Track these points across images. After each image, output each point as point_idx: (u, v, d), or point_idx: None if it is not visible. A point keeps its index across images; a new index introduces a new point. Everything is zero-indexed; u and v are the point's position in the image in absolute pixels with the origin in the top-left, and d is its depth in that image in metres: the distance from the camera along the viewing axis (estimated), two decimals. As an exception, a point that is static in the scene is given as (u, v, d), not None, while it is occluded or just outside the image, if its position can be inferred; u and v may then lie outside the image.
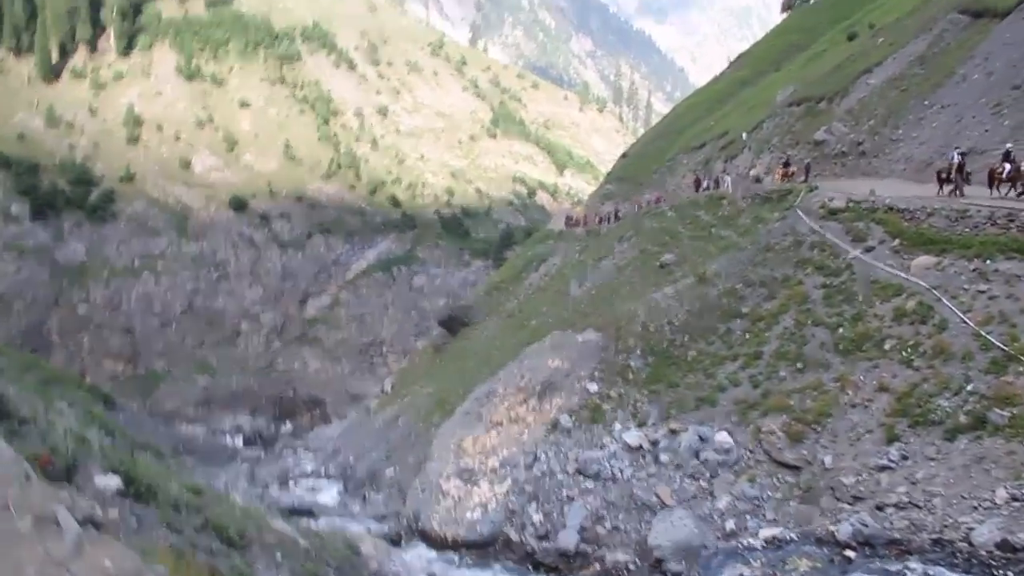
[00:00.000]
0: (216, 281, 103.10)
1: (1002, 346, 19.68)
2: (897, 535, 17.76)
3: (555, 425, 25.78)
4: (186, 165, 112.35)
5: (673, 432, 23.94)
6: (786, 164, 40.14)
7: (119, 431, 28.97)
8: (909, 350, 21.51)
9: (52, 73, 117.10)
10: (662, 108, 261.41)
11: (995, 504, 17.07)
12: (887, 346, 22.11)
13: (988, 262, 22.20)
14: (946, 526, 17.38)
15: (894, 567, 16.86)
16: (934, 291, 22.42)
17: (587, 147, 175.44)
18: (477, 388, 32.57)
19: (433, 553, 24.27)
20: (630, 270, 41.84)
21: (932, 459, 18.77)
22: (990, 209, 24.31)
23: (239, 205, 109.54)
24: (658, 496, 22.21)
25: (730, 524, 20.46)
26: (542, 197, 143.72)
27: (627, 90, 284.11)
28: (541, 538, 22.79)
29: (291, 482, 43.65)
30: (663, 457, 23.39)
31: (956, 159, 27.62)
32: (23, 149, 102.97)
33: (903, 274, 23.89)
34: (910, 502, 18.29)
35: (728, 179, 45.64)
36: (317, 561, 12.63)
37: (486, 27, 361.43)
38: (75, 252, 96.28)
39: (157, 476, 10.39)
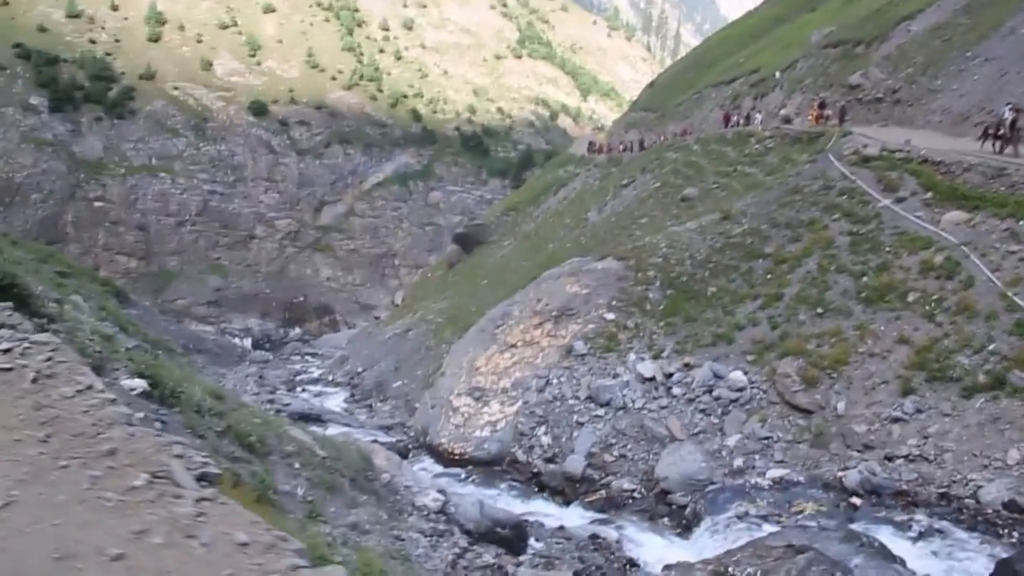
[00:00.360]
0: (232, 184, 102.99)
1: (1029, 308, 19.47)
2: (905, 486, 17.83)
3: (569, 351, 25.79)
4: (207, 67, 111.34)
5: (688, 366, 23.94)
6: (821, 106, 39.27)
7: (133, 327, 29.10)
8: (933, 304, 21.30)
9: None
10: (691, 40, 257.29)
11: (1007, 464, 17.10)
12: (911, 298, 21.89)
13: (1021, 223, 21.81)
14: (954, 481, 17.44)
15: (900, 517, 16.97)
16: (963, 247, 22.11)
17: (613, 74, 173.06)
18: (492, 308, 32.58)
19: (439, 468, 24.61)
20: (651, 202, 41.52)
21: (947, 415, 18.74)
22: (1030, 168, 23.85)
23: (259, 110, 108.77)
24: (668, 429, 22.31)
25: (738, 462, 20.58)
26: (564, 121, 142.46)
27: (656, 18, 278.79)
28: (548, 460, 23.02)
29: (298, 387, 44.11)
30: (676, 390, 23.44)
31: (1008, 115, 26.86)
32: (43, 41, 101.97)
33: (933, 228, 23.56)
34: (920, 455, 18.34)
35: (759, 116, 44.94)
36: (333, 472, 12.73)
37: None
38: (93, 147, 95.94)
39: (181, 380, 10.36)
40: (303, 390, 43.21)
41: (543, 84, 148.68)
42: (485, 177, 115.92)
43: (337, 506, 11.33)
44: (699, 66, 78.69)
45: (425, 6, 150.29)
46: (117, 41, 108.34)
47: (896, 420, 19.39)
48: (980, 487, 16.91)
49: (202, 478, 4.93)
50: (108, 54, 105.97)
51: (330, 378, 47.02)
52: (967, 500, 16.89)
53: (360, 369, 44.50)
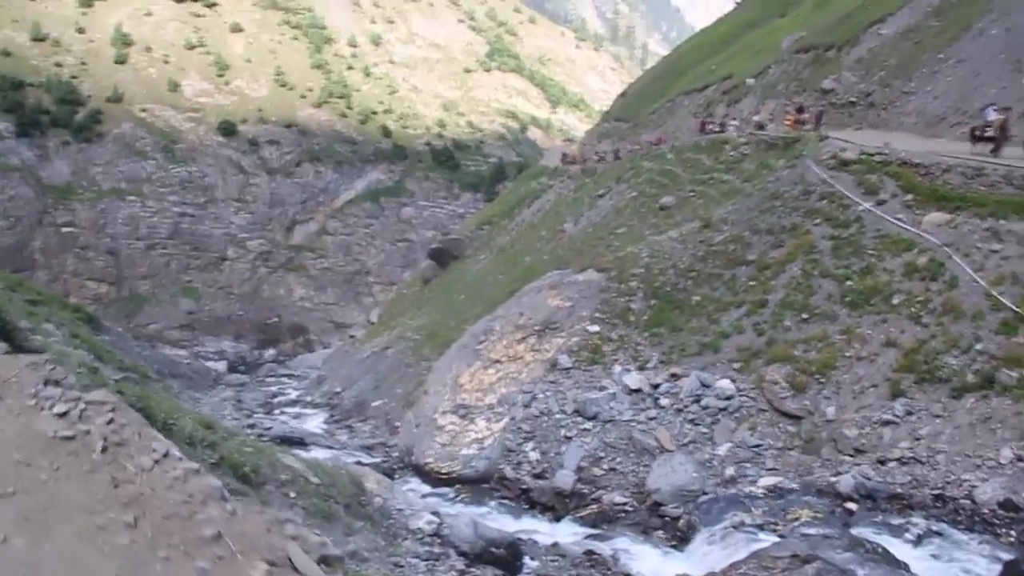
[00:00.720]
0: (203, 205, 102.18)
1: (1013, 307, 19.52)
2: (899, 489, 17.79)
3: (554, 365, 25.59)
4: (175, 88, 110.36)
5: (674, 376, 23.82)
6: (799, 110, 39.45)
7: (108, 354, 28.59)
8: (918, 306, 21.32)
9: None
10: (658, 48, 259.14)
11: (999, 464, 17.11)
12: (896, 301, 21.91)
13: (1002, 222, 21.92)
14: (948, 483, 17.42)
15: (896, 521, 16.90)
16: (946, 248, 22.17)
17: (582, 84, 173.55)
18: (471, 323, 32.35)
19: (427, 487, 24.25)
20: (628, 211, 41.44)
21: (937, 416, 18.73)
22: (1007, 168, 23.99)
23: (228, 130, 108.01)
24: (657, 440, 22.14)
25: (730, 471, 20.44)
26: (534, 133, 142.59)
27: (624, 28, 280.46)
28: (537, 476, 22.76)
29: (276, 410, 43.58)
30: (663, 401, 23.29)
31: (993, 116, 27.00)
32: (8, 65, 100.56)
33: (915, 229, 23.61)
34: (913, 457, 18.31)
35: (734, 123, 45.10)
36: (327, 499, 12.43)
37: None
38: (60, 172, 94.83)
39: (172, 411, 10.05)
40: (281, 412, 42.63)
41: (513, 96, 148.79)
42: (457, 191, 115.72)
43: (335, 535, 11.01)
44: (670, 74, 78.97)
45: (393, 22, 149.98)
46: (83, 64, 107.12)
47: (887, 423, 19.36)
48: (975, 487, 16.89)
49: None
50: (74, 77, 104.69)
51: (308, 399, 46.48)
52: (963, 501, 16.86)
53: (338, 389, 44.05)
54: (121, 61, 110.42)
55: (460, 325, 37.50)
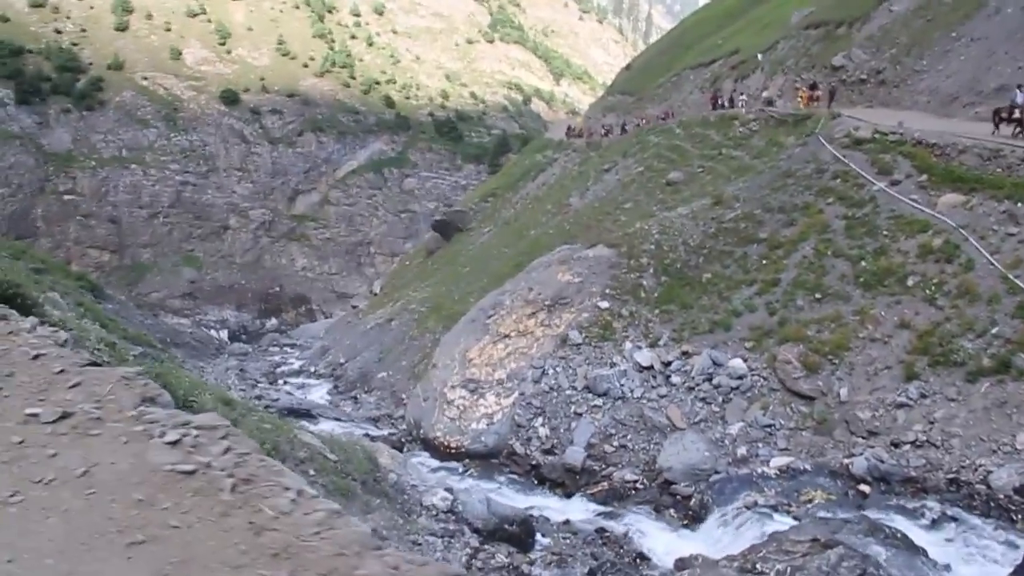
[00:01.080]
0: (205, 174, 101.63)
1: (1030, 290, 19.38)
2: (913, 473, 17.74)
3: (564, 340, 25.46)
4: (177, 56, 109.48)
5: (686, 354, 23.71)
6: (812, 87, 39.01)
7: (112, 323, 28.53)
8: (933, 288, 21.18)
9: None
10: (662, 21, 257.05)
11: (1015, 449, 17.04)
12: (910, 282, 21.76)
13: (1020, 204, 21.71)
14: (963, 467, 17.36)
15: (911, 505, 16.86)
16: (962, 230, 21.98)
17: (585, 57, 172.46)
18: (476, 296, 32.19)
19: (436, 462, 24.22)
20: (635, 186, 41.18)
21: (952, 399, 18.65)
22: (1025, 150, 23.73)
23: (230, 99, 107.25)
24: (669, 418, 22.09)
25: (742, 450, 20.42)
26: (537, 105, 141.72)
27: (627, 0, 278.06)
28: (547, 452, 22.75)
29: (280, 380, 43.53)
30: (675, 379, 23.21)
31: (1020, 98, 26.56)
32: (7, 31, 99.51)
33: (930, 211, 23.41)
34: (927, 440, 18.24)
35: (743, 99, 44.72)
36: (345, 476, 12.36)
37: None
38: (61, 140, 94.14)
39: (191, 388, 9.92)
40: (285, 383, 42.59)
41: (516, 68, 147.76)
42: (459, 163, 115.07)
43: (354, 512, 10.94)
44: (676, 48, 78.21)
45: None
46: (83, 31, 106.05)
47: (901, 406, 19.28)
48: (990, 472, 16.82)
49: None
50: (75, 44, 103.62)
51: (312, 369, 46.40)
52: (977, 486, 16.80)
53: (342, 360, 43.94)
54: (122, 28, 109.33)
55: (465, 298, 37.36)
